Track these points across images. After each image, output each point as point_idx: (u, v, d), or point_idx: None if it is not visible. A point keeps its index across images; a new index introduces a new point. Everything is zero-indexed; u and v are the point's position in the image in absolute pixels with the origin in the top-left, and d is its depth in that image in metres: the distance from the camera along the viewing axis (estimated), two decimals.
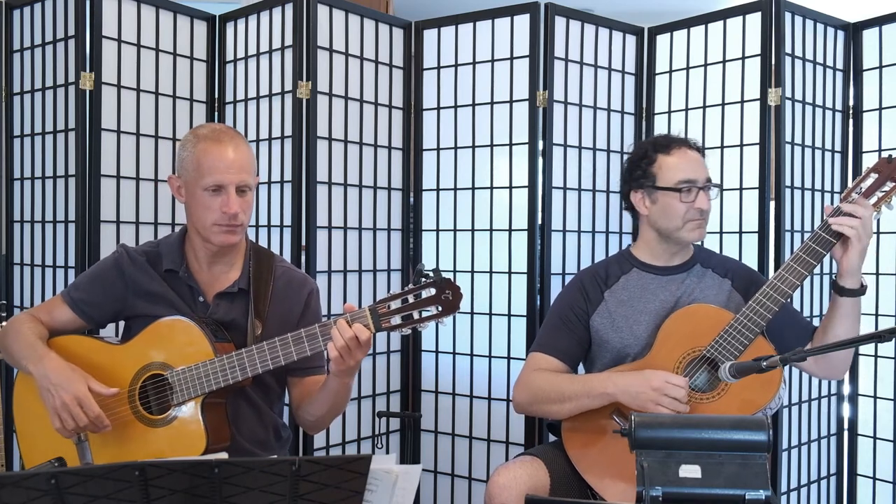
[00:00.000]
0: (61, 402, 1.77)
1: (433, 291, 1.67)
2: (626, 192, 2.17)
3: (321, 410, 1.91)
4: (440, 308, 1.67)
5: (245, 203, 1.88)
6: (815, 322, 2.70)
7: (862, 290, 1.96)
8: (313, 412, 1.93)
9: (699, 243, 2.23)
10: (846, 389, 2.80)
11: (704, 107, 2.74)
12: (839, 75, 2.79)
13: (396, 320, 1.69)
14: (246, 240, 2.01)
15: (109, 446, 1.84)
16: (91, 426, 1.78)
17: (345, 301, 2.71)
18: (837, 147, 2.81)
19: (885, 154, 2.62)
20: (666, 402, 1.88)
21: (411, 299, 1.67)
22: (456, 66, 2.83)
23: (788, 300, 1.95)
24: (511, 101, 2.73)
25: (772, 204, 2.59)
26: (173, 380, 1.81)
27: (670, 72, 2.82)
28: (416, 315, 1.68)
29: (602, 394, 1.97)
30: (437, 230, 2.88)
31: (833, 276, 1.99)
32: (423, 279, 1.67)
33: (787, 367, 1.97)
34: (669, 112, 2.82)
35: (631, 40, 2.87)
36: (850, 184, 2.76)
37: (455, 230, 2.85)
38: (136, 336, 1.89)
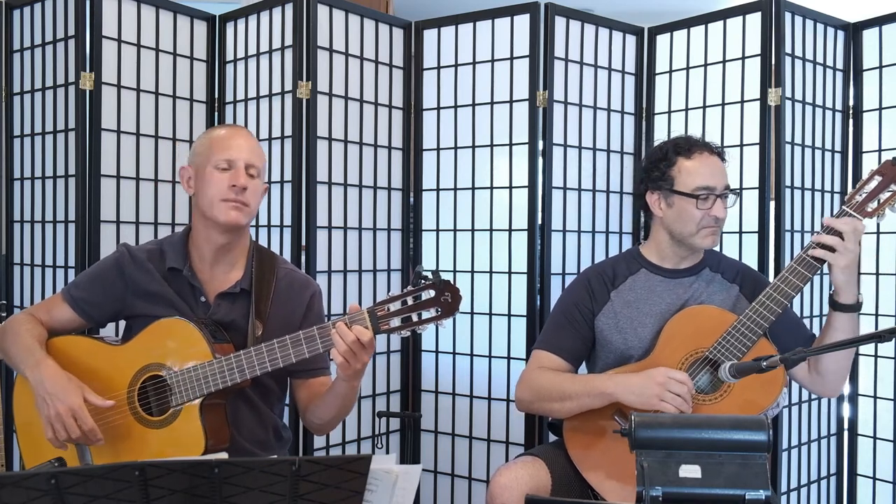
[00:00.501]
0: (55, 412, 1.76)
1: (432, 293, 1.65)
2: (642, 191, 2.15)
3: (329, 414, 1.91)
4: (439, 310, 1.65)
5: (254, 187, 1.91)
6: (815, 323, 2.71)
7: (857, 305, 1.94)
8: (321, 415, 1.93)
9: None
10: (846, 389, 2.80)
11: (704, 107, 2.73)
12: (839, 75, 2.79)
13: (395, 322, 1.67)
14: (249, 240, 2.01)
15: (108, 447, 1.84)
16: (83, 438, 1.77)
17: (345, 301, 2.71)
18: (837, 147, 2.81)
19: (885, 154, 2.63)
20: (669, 398, 1.87)
21: (410, 301, 1.66)
22: (456, 66, 2.83)
23: (791, 301, 1.95)
24: (511, 101, 2.73)
25: (772, 204, 2.59)
26: (172, 381, 1.81)
27: (670, 72, 2.82)
28: (415, 317, 1.67)
29: (603, 393, 1.97)
30: (437, 230, 2.88)
31: (830, 291, 1.98)
32: (423, 281, 1.66)
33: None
34: (669, 112, 2.82)
35: (631, 40, 2.87)
36: (850, 184, 2.78)
37: (455, 230, 2.85)
38: (134, 337, 1.88)
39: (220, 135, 1.94)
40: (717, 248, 2.56)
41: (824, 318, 2.69)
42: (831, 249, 1.87)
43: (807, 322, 2.44)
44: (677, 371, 1.92)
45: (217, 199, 1.87)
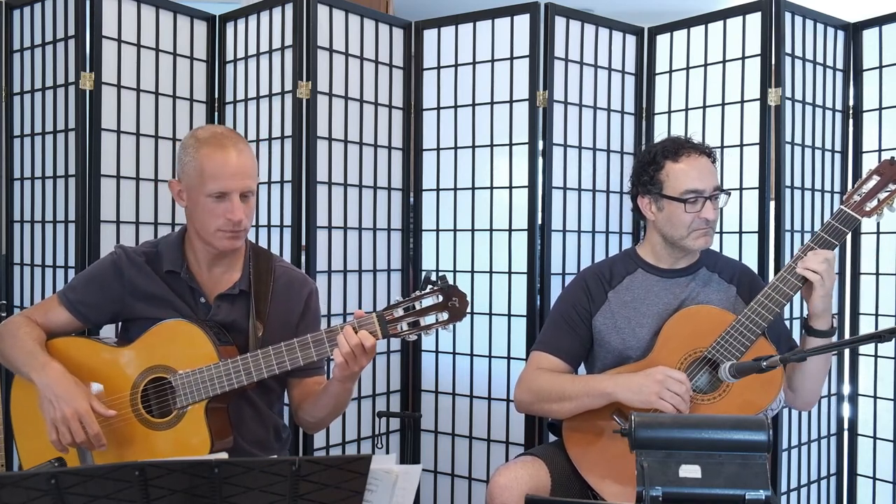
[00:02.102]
0: (62, 415, 1.75)
1: (440, 298, 1.69)
2: (634, 195, 2.16)
3: (322, 412, 1.92)
4: (447, 315, 1.68)
5: (248, 208, 1.87)
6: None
7: (831, 331, 1.96)
8: (314, 414, 1.93)
9: None
10: (846, 389, 2.80)
11: (704, 107, 2.73)
12: (839, 75, 2.79)
13: (403, 326, 1.70)
14: (246, 240, 2.01)
15: (112, 449, 1.83)
16: (87, 443, 1.77)
17: (345, 301, 2.71)
18: (837, 147, 2.81)
19: (885, 154, 2.63)
20: (667, 397, 1.87)
21: (418, 306, 1.69)
22: (456, 66, 2.83)
23: (791, 300, 1.95)
24: (511, 101, 2.73)
25: (772, 204, 2.59)
26: (177, 383, 1.80)
27: (670, 72, 2.82)
28: (423, 321, 1.69)
29: (602, 393, 1.97)
30: (437, 230, 2.88)
31: (804, 317, 2.00)
32: (430, 286, 1.69)
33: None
34: (669, 112, 2.82)
35: (631, 40, 2.87)
36: (850, 184, 2.78)
37: (455, 230, 2.84)
38: (138, 339, 1.88)
39: (210, 155, 1.81)
40: (716, 248, 2.57)
41: None
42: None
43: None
44: (676, 371, 1.92)
45: (212, 229, 1.84)
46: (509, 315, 2.73)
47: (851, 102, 2.80)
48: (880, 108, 2.72)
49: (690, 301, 2.10)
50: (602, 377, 2.03)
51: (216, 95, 2.81)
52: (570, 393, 2.00)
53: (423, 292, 1.69)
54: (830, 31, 2.75)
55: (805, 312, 2.01)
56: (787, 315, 2.44)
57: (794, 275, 1.92)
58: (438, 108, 2.86)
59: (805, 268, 1.90)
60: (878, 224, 2.56)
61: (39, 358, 1.84)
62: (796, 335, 2.24)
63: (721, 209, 2.13)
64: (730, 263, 2.21)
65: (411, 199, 2.92)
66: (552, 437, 2.21)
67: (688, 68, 2.77)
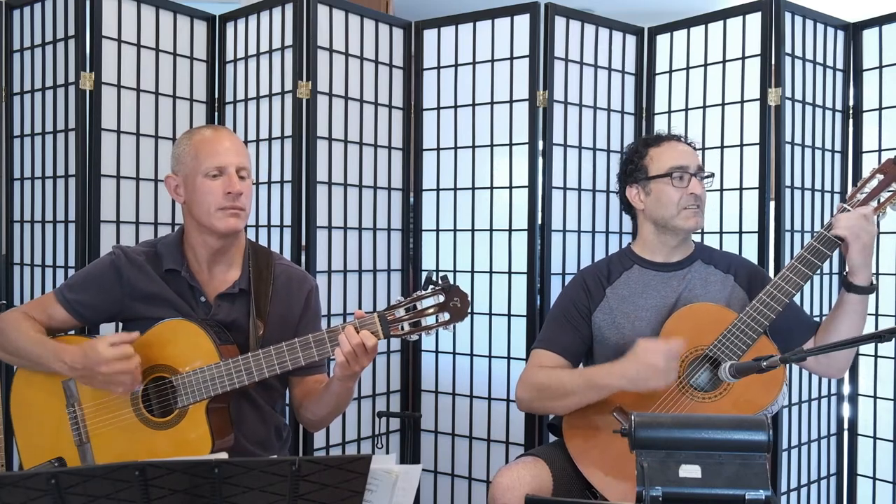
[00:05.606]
0: (103, 377, 1.76)
1: (441, 298, 1.70)
2: (622, 189, 2.19)
3: (324, 411, 1.92)
4: (448, 315, 1.69)
5: (246, 188, 1.89)
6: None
7: (870, 288, 1.97)
8: (316, 412, 1.93)
9: (699, 238, 2.22)
10: (846, 389, 2.80)
11: (704, 107, 2.74)
12: (839, 75, 2.79)
13: (405, 327, 1.71)
14: (245, 239, 2.01)
15: (112, 449, 1.84)
16: (138, 371, 1.78)
17: (345, 301, 2.71)
18: (837, 147, 2.81)
19: (885, 154, 2.63)
20: (652, 374, 1.87)
21: (419, 306, 1.70)
22: (456, 66, 2.83)
23: (791, 299, 1.95)
24: (511, 101, 2.73)
25: (772, 204, 2.59)
26: (178, 383, 1.80)
27: (670, 72, 2.82)
28: (424, 322, 1.70)
29: (600, 385, 1.96)
30: (437, 230, 2.88)
31: (844, 272, 2.00)
32: (432, 286, 1.70)
33: (787, 367, 1.97)
34: (669, 112, 2.82)
35: (631, 40, 2.87)
36: (850, 183, 2.78)
37: (455, 230, 2.85)
38: (138, 338, 1.87)
39: (204, 138, 1.90)
40: (715, 247, 2.57)
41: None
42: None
43: None
44: (654, 341, 1.91)
45: (213, 209, 1.86)
46: (509, 315, 2.73)
47: (851, 102, 2.80)
48: (880, 108, 2.72)
49: (688, 293, 2.10)
50: (598, 369, 2.02)
51: (216, 95, 2.81)
52: (571, 388, 2.00)
53: (424, 292, 1.70)
54: (830, 31, 2.75)
55: (820, 304, 2.01)
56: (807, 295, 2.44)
57: (797, 272, 1.92)
58: (438, 108, 2.86)
59: (838, 227, 1.90)
60: (878, 223, 2.55)
61: (49, 346, 1.85)
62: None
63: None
64: (725, 256, 2.23)
65: (411, 199, 2.92)
66: (552, 437, 2.21)
67: (688, 68, 2.77)
